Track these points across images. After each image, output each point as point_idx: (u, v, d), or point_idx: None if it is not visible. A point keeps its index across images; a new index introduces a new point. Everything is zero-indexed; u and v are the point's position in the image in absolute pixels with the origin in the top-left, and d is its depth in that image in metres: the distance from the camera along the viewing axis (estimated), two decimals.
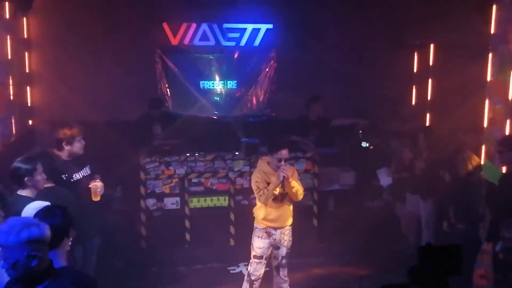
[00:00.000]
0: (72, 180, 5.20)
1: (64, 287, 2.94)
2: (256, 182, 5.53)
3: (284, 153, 5.44)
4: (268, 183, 5.47)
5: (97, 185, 5.22)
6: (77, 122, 5.34)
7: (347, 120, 8.30)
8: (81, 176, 5.29)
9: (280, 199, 5.56)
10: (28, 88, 8.24)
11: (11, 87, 7.32)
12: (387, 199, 7.83)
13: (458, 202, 6.07)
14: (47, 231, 2.90)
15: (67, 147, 5.18)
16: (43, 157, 4.78)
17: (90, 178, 5.32)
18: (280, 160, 5.41)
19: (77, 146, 5.22)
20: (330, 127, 8.10)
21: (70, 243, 3.39)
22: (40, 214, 3.33)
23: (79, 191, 5.16)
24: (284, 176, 5.37)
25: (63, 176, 5.13)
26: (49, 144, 7.04)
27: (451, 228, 5.98)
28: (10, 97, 7.31)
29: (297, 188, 5.53)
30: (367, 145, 8.44)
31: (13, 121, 7.38)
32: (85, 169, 5.37)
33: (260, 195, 5.47)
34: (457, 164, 6.44)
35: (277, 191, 5.47)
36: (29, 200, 4.33)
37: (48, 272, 2.90)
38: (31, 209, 4.09)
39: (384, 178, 7.48)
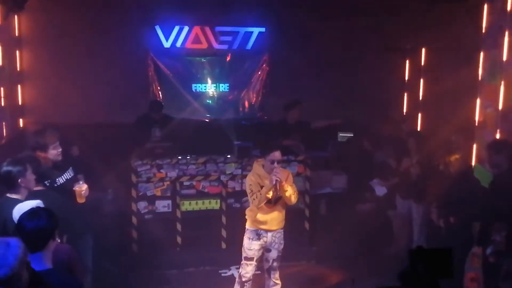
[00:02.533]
0: (55, 185, 5.15)
1: None
2: (250, 185, 5.51)
3: (277, 154, 5.44)
4: (262, 186, 5.45)
5: (81, 188, 5.18)
6: (52, 128, 5.26)
7: (323, 122, 8.27)
8: (65, 180, 5.25)
9: (273, 202, 5.54)
10: (19, 90, 8.20)
11: (2, 90, 7.28)
12: (381, 206, 7.84)
13: (453, 202, 6.06)
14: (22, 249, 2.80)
15: (42, 154, 5.10)
16: (30, 159, 4.74)
17: (74, 180, 5.28)
18: (273, 162, 5.40)
19: (53, 153, 5.15)
20: (310, 130, 8.10)
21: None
22: (25, 216, 3.30)
23: (64, 193, 5.10)
24: (277, 180, 5.36)
25: (45, 182, 5.05)
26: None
27: (447, 224, 5.96)
28: (1, 99, 7.27)
29: (290, 192, 5.50)
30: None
31: (4, 123, 7.34)
32: (68, 172, 5.33)
33: (254, 199, 5.45)
34: (450, 166, 6.46)
35: (270, 194, 5.46)
36: (19, 202, 4.30)
37: (35, 281, 2.83)
38: (29, 206, 4.08)
39: (379, 188, 7.55)
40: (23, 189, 4.43)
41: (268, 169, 5.46)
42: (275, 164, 5.39)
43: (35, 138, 5.17)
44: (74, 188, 5.16)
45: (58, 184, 5.19)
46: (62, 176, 5.26)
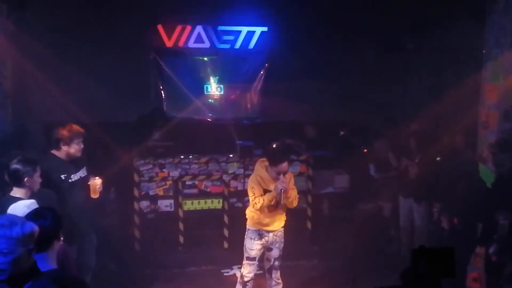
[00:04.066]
0: (70, 180, 5.23)
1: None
2: (252, 188, 5.43)
3: (284, 166, 5.34)
4: (264, 189, 5.39)
5: (96, 182, 5.31)
6: (78, 125, 5.36)
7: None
8: (79, 177, 5.32)
9: (274, 206, 5.51)
10: (22, 88, 8.20)
11: (5, 87, 7.30)
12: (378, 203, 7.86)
13: (457, 202, 6.05)
14: (37, 229, 2.87)
15: (64, 148, 5.20)
16: (42, 159, 4.86)
17: (86, 179, 5.38)
18: (279, 173, 5.34)
19: (75, 148, 5.22)
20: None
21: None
22: (30, 216, 3.30)
23: (76, 191, 5.22)
24: (282, 189, 5.30)
25: (62, 176, 5.16)
26: (41, 144, 7.05)
27: (450, 225, 5.97)
28: (4, 97, 7.29)
29: (293, 198, 5.48)
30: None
31: (6, 121, 7.36)
32: (82, 170, 5.39)
33: (255, 203, 5.38)
34: (456, 166, 6.43)
35: (273, 202, 5.42)
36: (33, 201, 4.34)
37: (32, 271, 2.85)
38: (22, 206, 4.11)
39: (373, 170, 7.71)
40: (28, 189, 4.47)
41: (273, 174, 5.39)
42: (281, 175, 5.35)
43: (61, 130, 5.22)
44: (88, 183, 5.28)
45: (73, 180, 5.26)
46: (77, 173, 5.33)
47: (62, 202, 5.05)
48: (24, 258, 2.74)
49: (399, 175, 7.32)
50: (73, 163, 5.29)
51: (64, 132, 5.19)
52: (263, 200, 5.35)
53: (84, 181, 5.35)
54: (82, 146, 5.28)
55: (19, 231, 2.71)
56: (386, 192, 7.58)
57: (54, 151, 5.24)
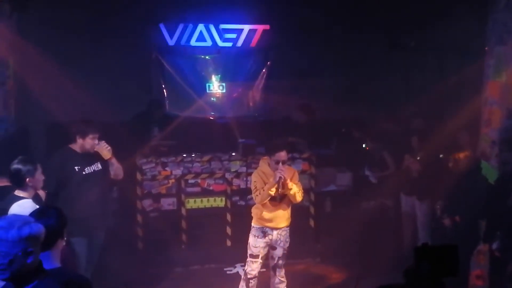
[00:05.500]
0: (84, 173, 5.38)
1: (53, 287, 2.91)
2: (254, 181, 5.53)
3: (283, 155, 5.42)
4: (266, 184, 5.45)
5: (102, 146, 5.45)
6: (98, 123, 5.59)
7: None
8: (92, 170, 5.46)
9: (278, 200, 5.54)
10: (22, 89, 8.21)
11: (7, 87, 7.31)
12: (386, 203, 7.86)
13: (460, 199, 6.04)
14: (43, 230, 2.89)
15: (79, 140, 5.40)
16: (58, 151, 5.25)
17: (101, 172, 5.52)
18: (278, 162, 5.39)
19: (89, 143, 5.41)
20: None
21: (64, 243, 3.39)
22: (35, 215, 3.31)
23: (89, 184, 5.37)
24: (280, 177, 5.35)
25: (75, 167, 5.33)
26: (42, 144, 7.06)
27: (453, 222, 5.97)
28: (6, 98, 7.30)
29: (295, 190, 5.49)
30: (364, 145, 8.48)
31: (9, 122, 7.37)
32: (97, 164, 5.53)
33: (256, 195, 5.46)
34: (458, 163, 6.42)
35: (273, 192, 5.45)
36: (27, 200, 4.36)
37: (37, 271, 2.86)
38: (15, 206, 4.17)
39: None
40: (31, 188, 4.49)
41: (274, 167, 5.45)
42: (280, 164, 5.39)
43: (78, 123, 5.49)
44: (95, 149, 5.42)
45: (86, 173, 5.42)
46: (91, 167, 5.48)
47: (75, 194, 5.14)
48: (19, 260, 2.74)
49: (400, 173, 7.31)
50: (88, 157, 5.44)
51: (80, 125, 5.44)
52: (264, 190, 5.39)
53: (98, 174, 5.49)
54: (97, 142, 5.44)
55: (15, 234, 2.72)
56: (388, 190, 7.58)
57: (70, 145, 5.45)
